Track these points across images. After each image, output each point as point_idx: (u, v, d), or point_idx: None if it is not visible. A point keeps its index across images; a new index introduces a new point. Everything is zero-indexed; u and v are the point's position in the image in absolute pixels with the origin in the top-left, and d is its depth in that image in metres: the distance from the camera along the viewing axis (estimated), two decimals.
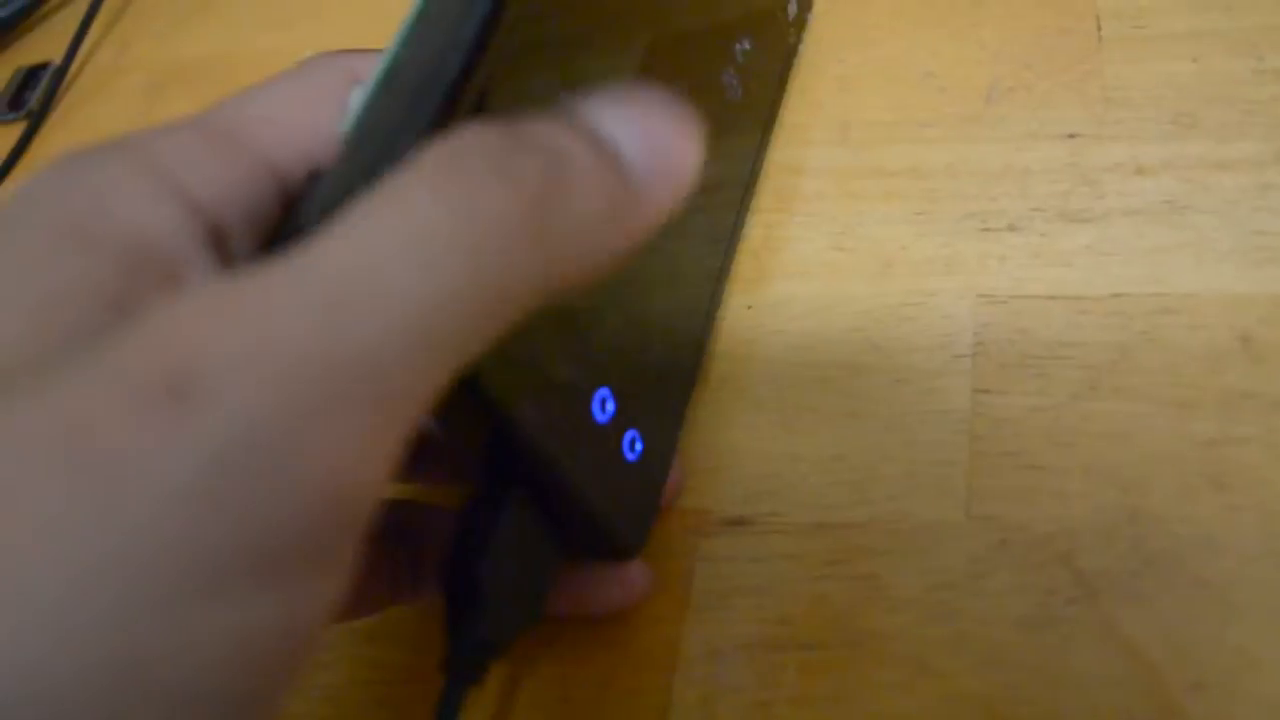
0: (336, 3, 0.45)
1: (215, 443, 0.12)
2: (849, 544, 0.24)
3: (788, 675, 0.23)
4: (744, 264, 0.30)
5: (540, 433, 0.19)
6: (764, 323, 0.29)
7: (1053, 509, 0.23)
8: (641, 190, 0.15)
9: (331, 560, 0.13)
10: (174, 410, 0.12)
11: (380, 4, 0.17)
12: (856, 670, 0.23)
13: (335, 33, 0.43)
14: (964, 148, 0.30)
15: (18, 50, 0.51)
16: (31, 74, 0.48)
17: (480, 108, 0.16)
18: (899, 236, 0.29)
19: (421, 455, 0.24)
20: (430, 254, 0.13)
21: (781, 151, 0.32)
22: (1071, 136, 0.30)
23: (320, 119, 0.18)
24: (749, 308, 0.29)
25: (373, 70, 0.17)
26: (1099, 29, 0.32)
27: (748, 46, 0.29)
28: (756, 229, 0.30)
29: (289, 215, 0.17)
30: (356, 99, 0.17)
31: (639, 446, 0.22)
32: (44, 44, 0.50)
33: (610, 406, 0.21)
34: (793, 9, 0.33)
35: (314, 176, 0.17)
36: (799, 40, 0.34)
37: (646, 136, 0.16)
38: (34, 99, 0.47)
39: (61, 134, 0.46)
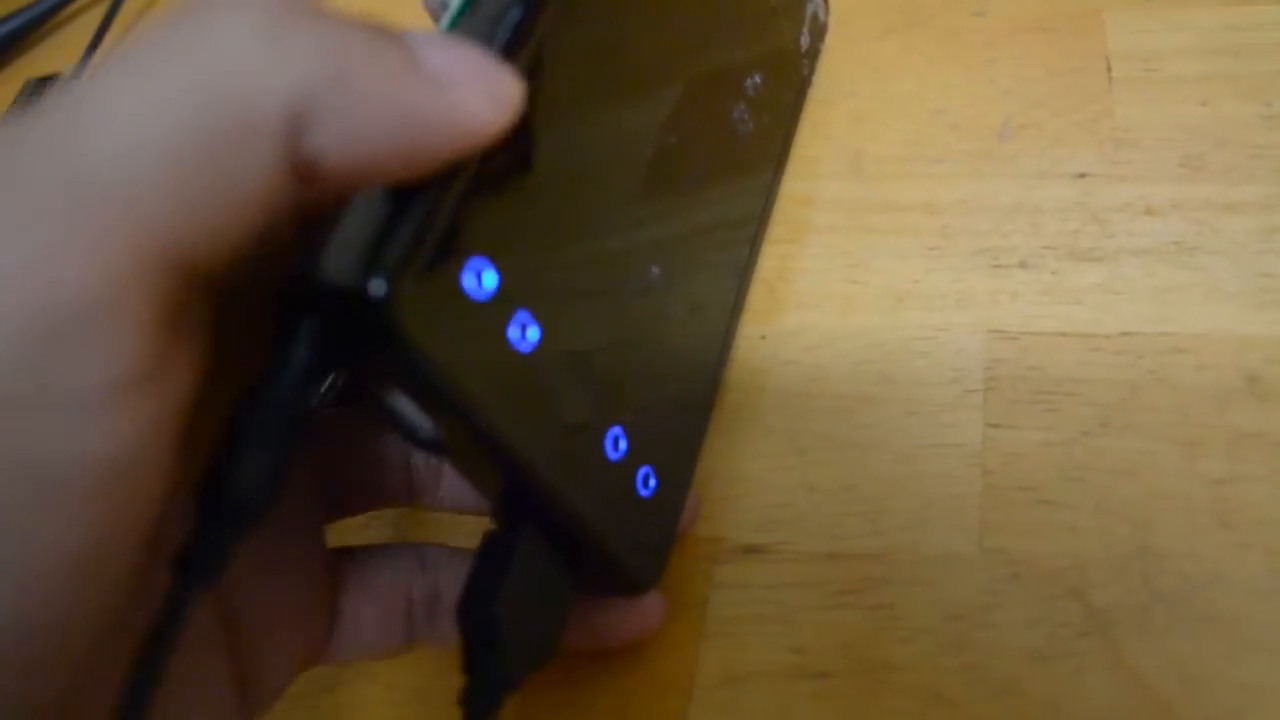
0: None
1: None
2: (862, 574, 0.25)
3: (802, 704, 0.23)
4: (757, 294, 0.30)
5: (552, 473, 0.19)
6: (777, 353, 0.29)
7: (1064, 543, 0.24)
8: (440, 84, 0.15)
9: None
10: None
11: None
12: (870, 699, 0.23)
13: None
14: (976, 184, 0.31)
15: (28, 61, 0.51)
16: (41, 85, 0.48)
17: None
18: (911, 271, 0.30)
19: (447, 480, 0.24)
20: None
21: (794, 183, 0.32)
22: (1082, 176, 0.30)
23: None
24: (762, 337, 0.29)
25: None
26: (1109, 70, 0.32)
27: (759, 80, 0.29)
28: (770, 259, 0.31)
29: None
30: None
31: (653, 483, 0.22)
32: (54, 56, 0.51)
33: (623, 445, 0.21)
34: (805, 40, 0.33)
35: None
36: (812, 71, 0.34)
37: (447, 48, 0.16)
38: None
39: None
